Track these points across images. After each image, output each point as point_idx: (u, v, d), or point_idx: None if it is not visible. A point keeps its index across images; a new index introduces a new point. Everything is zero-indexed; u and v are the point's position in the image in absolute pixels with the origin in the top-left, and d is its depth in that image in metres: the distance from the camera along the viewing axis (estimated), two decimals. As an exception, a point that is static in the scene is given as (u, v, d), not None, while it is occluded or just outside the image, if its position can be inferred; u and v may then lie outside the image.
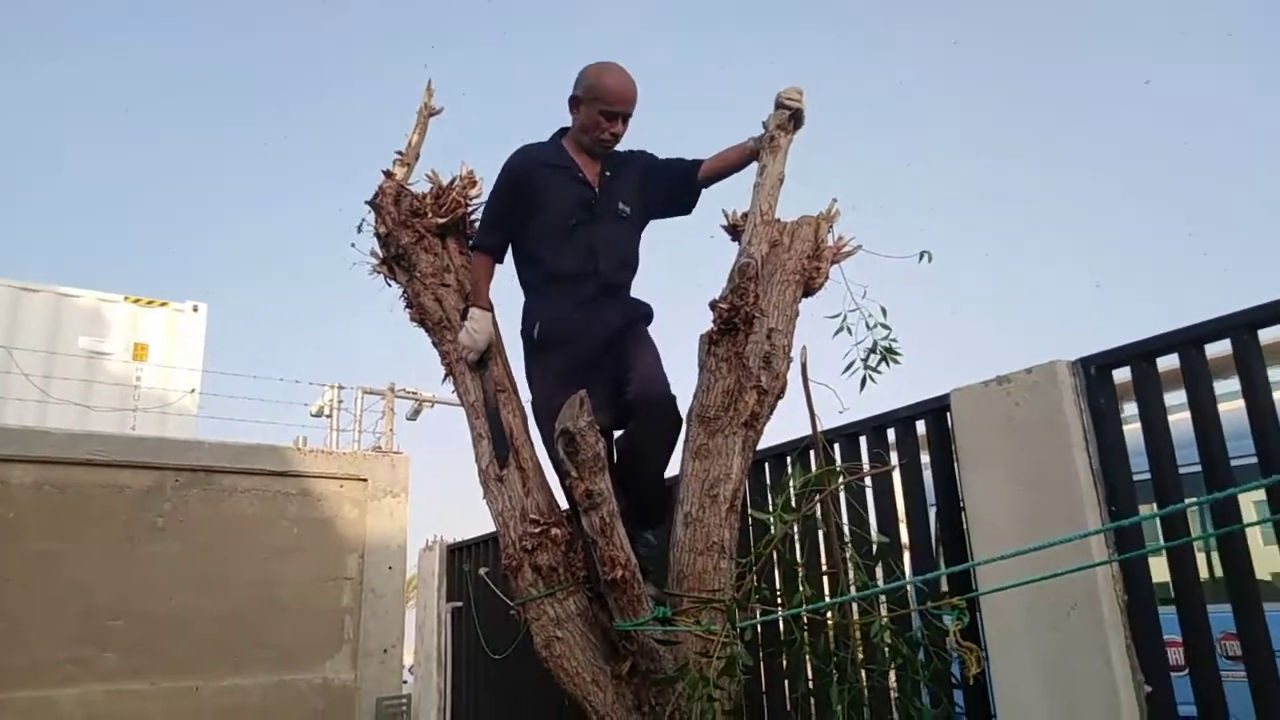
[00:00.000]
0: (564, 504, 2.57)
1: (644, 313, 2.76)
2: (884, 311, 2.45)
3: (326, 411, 14.67)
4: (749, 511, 2.77)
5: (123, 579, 5.16)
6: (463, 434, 2.73)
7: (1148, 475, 2.09)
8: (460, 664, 5.09)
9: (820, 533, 2.59)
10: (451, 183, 2.89)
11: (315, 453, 6.29)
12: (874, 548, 2.38)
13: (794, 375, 2.46)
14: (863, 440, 2.75)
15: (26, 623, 4.88)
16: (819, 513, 2.37)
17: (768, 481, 3.05)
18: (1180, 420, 2.07)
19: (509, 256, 2.82)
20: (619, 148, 2.73)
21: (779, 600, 2.41)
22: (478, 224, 2.86)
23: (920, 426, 2.61)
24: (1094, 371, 2.18)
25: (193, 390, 9.32)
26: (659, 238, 2.91)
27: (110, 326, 9.05)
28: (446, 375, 2.82)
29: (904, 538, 2.60)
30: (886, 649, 2.14)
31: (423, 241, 2.81)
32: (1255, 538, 2.15)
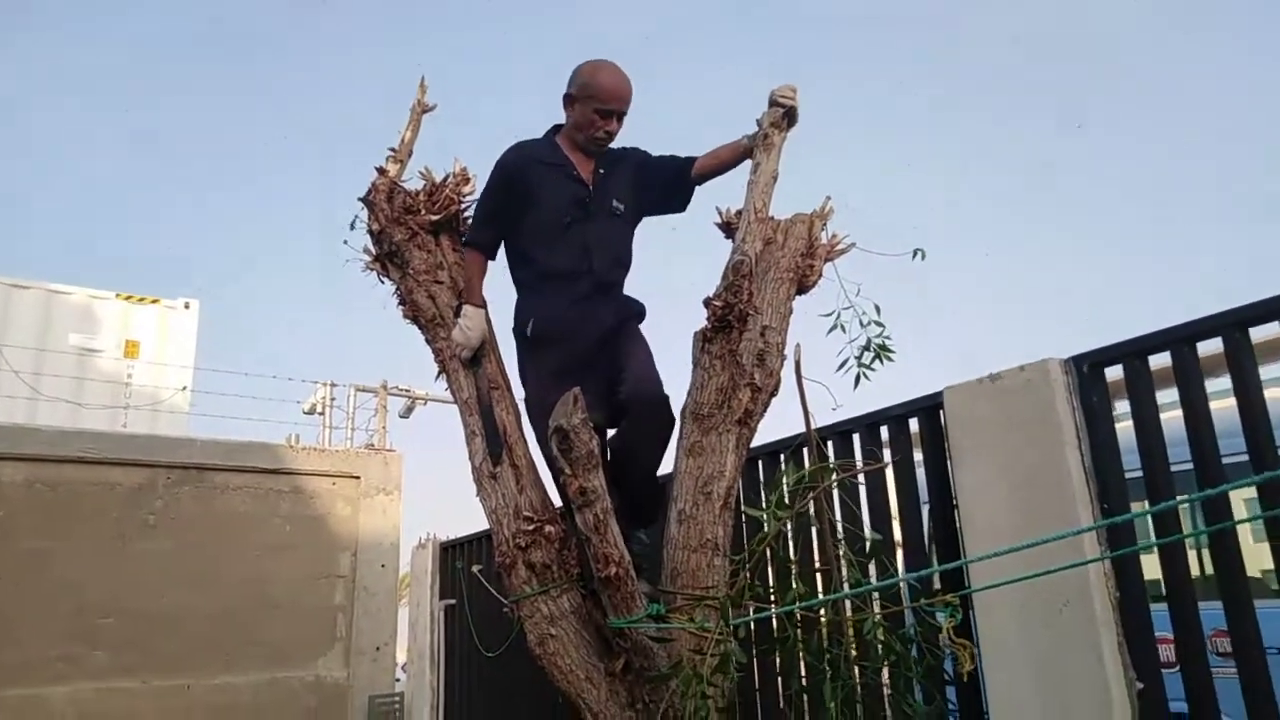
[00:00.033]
0: (558, 501, 2.57)
1: (637, 311, 2.76)
2: (877, 309, 2.46)
3: (319, 409, 14.63)
4: (743, 509, 2.77)
5: (114, 577, 5.13)
6: (456, 431, 2.73)
7: (1140, 473, 2.10)
8: (453, 662, 5.09)
9: (814, 530, 2.60)
10: (445, 179, 2.88)
11: (308, 450, 6.27)
12: (867, 545, 2.38)
13: (788, 373, 2.46)
14: (856, 438, 2.75)
15: (17, 621, 4.86)
16: (812, 510, 2.37)
17: (761, 479, 3.06)
18: (1172, 418, 2.07)
19: (501, 253, 2.81)
20: (612, 145, 2.72)
21: (772, 598, 2.41)
22: (470, 221, 2.86)
23: (913, 424, 2.61)
24: (1086, 369, 2.19)
25: (184, 387, 9.29)
26: (654, 235, 2.91)
27: (101, 323, 9.02)
28: (440, 372, 2.82)
29: (897, 535, 2.61)
30: (879, 646, 2.14)
31: (416, 238, 2.80)
32: (1246, 535, 2.15)
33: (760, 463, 3.06)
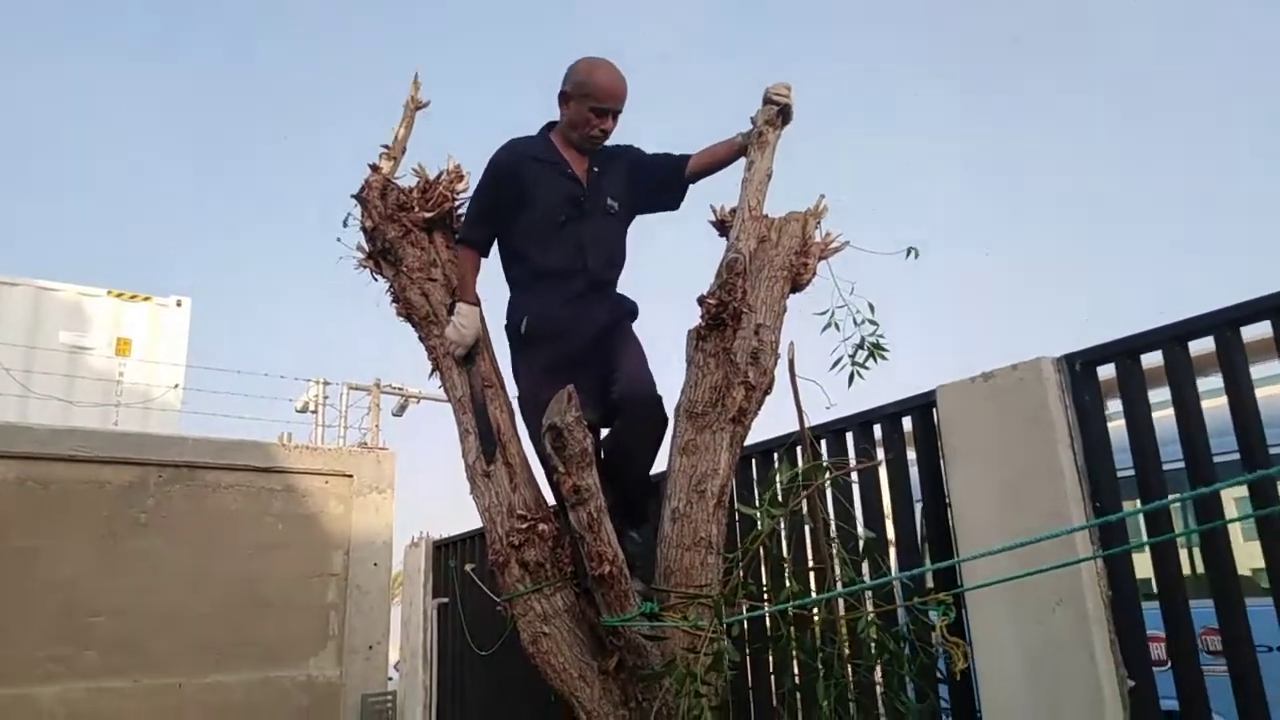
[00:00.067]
0: (551, 499, 2.57)
1: (630, 309, 2.75)
2: (871, 308, 2.46)
3: (312, 407, 14.61)
4: (736, 507, 2.77)
5: (105, 575, 5.11)
6: (449, 429, 2.72)
7: (1132, 472, 2.10)
8: (446, 660, 5.08)
9: (807, 528, 2.60)
10: (438, 177, 2.87)
11: (300, 449, 6.24)
12: (860, 544, 2.38)
13: (781, 371, 2.46)
14: (849, 436, 2.76)
15: (6, 620, 4.82)
16: (806, 509, 2.37)
17: (755, 477, 3.06)
18: (1164, 417, 2.08)
19: (494, 251, 2.81)
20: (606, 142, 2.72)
21: (766, 596, 2.41)
22: (463, 218, 2.85)
23: (907, 423, 2.62)
24: (1079, 368, 2.20)
25: (176, 385, 9.26)
26: (649, 231, 2.91)
27: (92, 321, 8.97)
28: (433, 370, 2.81)
29: (890, 534, 2.61)
30: (873, 644, 2.15)
31: (409, 236, 2.80)
32: (1236, 534, 2.16)
33: (754, 461, 3.06)
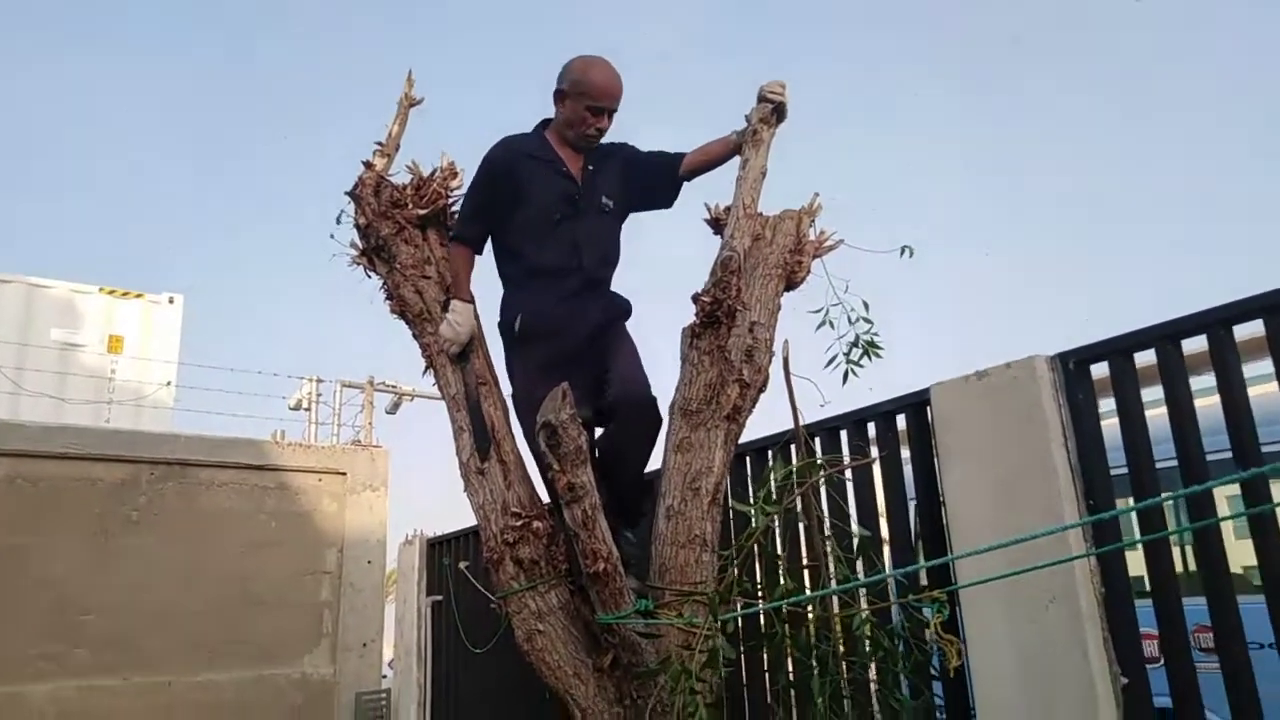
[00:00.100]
0: (545, 497, 2.57)
1: (624, 308, 2.75)
2: (866, 306, 2.46)
3: (305, 405, 14.58)
4: (731, 504, 2.77)
5: (97, 573, 5.10)
6: (443, 427, 2.72)
7: (1125, 470, 2.11)
8: (440, 658, 5.07)
9: (801, 526, 2.60)
10: (432, 174, 2.87)
11: (293, 446, 6.24)
12: (855, 541, 2.39)
13: (776, 369, 2.46)
14: (843, 434, 2.76)
15: (-2, 617, 4.81)
16: (800, 506, 2.38)
17: (749, 475, 3.06)
18: (1157, 415, 2.09)
19: (487, 249, 2.80)
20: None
21: (760, 593, 2.41)
22: (457, 215, 2.84)
23: (901, 421, 2.62)
24: (1072, 366, 2.20)
25: (168, 383, 9.22)
26: (643, 229, 2.91)
27: (84, 318, 8.93)
28: (427, 368, 2.81)
29: (884, 532, 2.62)
30: (867, 642, 2.15)
31: (403, 233, 2.79)
32: (1229, 532, 2.17)
33: (748, 459, 3.06)
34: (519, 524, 2.45)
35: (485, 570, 2.91)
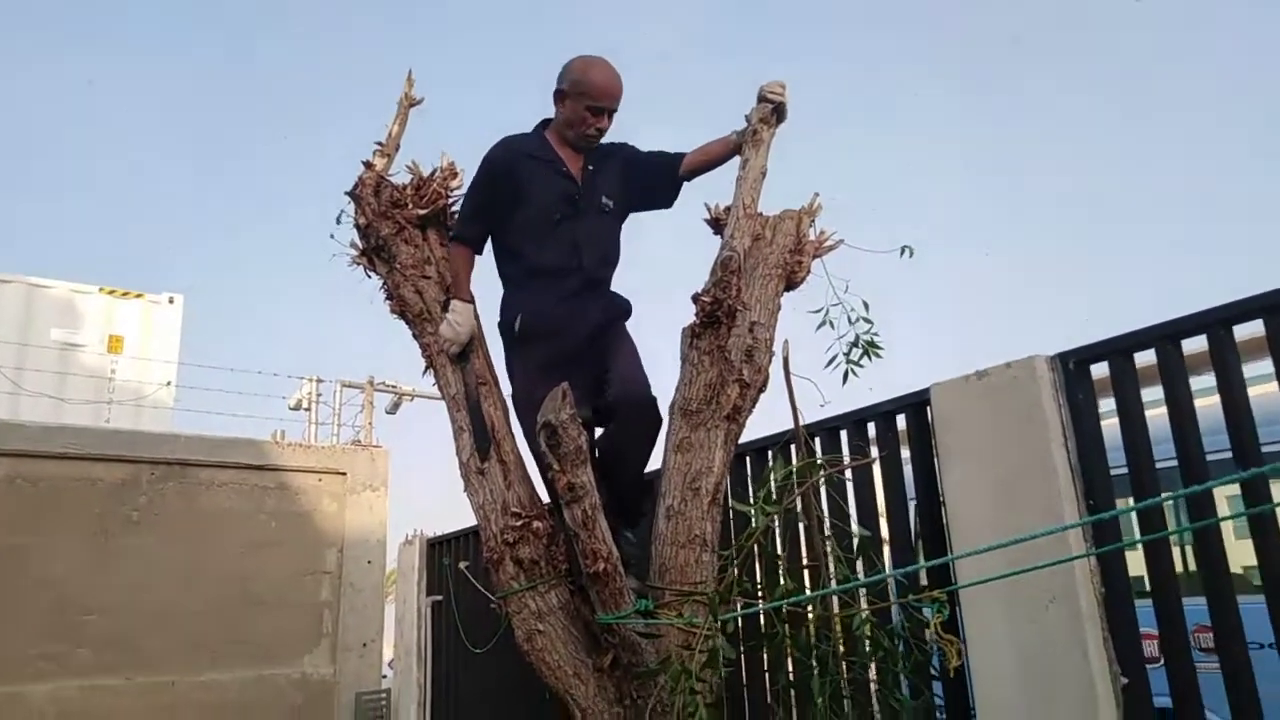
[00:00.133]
0: (545, 497, 2.57)
1: (624, 308, 2.75)
2: (866, 305, 2.46)
3: (305, 405, 14.58)
4: (731, 504, 2.77)
5: (97, 573, 5.10)
6: (443, 427, 2.72)
7: (1125, 470, 2.11)
8: (440, 658, 5.07)
9: (801, 526, 2.60)
10: (432, 174, 2.87)
11: (293, 446, 6.24)
12: (855, 541, 2.39)
13: (776, 369, 2.46)
14: (843, 434, 2.76)
15: (-2, 618, 4.81)
16: (800, 506, 2.38)
17: (749, 475, 3.06)
18: (1157, 415, 2.09)
19: (487, 248, 2.80)
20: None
21: (760, 593, 2.41)
22: (457, 215, 2.84)
23: (901, 421, 2.62)
24: (1072, 366, 2.20)
25: (168, 383, 9.22)
26: (643, 229, 2.91)
27: (84, 318, 8.93)
28: (427, 368, 2.81)
29: (884, 532, 2.62)
30: (867, 641, 2.15)
31: (403, 233, 2.79)
32: (1229, 532, 2.17)
33: (748, 459, 3.06)
34: (519, 524, 2.45)
35: (485, 570, 2.91)
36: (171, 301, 9.54)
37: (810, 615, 2.28)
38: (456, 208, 2.86)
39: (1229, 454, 1.94)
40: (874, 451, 2.67)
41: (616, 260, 2.79)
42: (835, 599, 2.23)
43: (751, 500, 2.26)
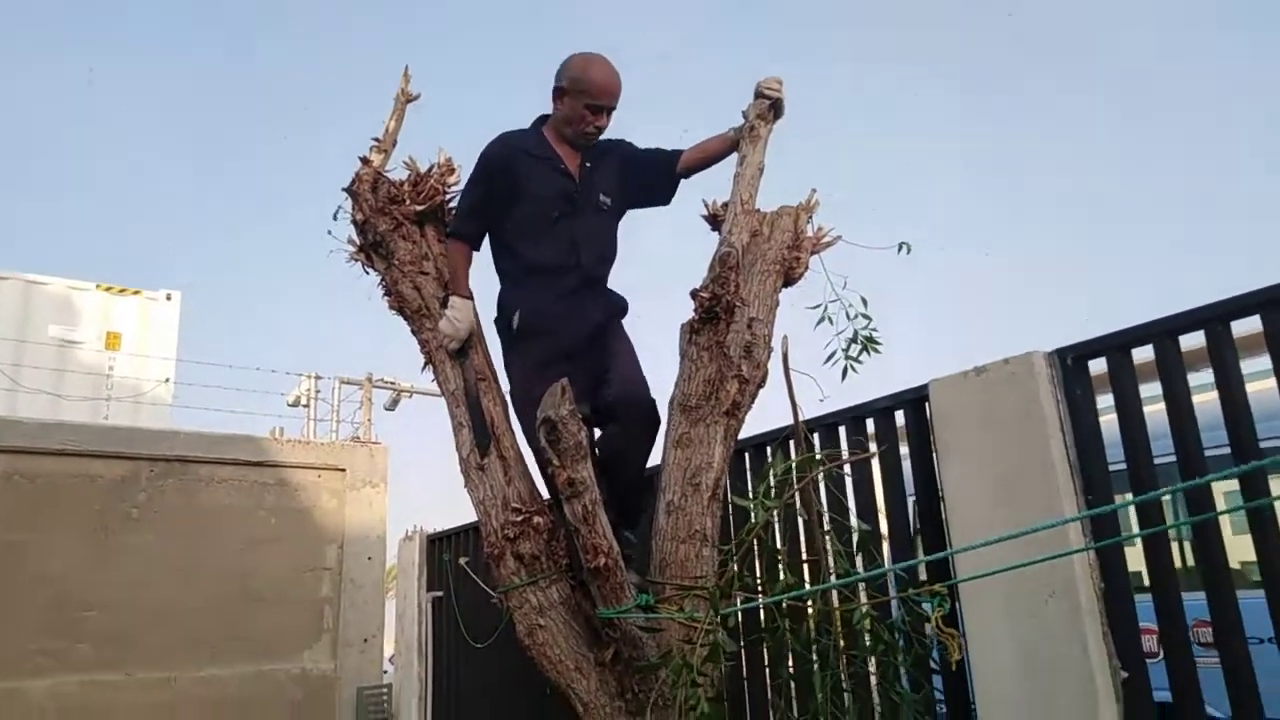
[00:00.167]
0: (545, 493, 2.57)
1: (621, 306, 2.75)
2: (864, 301, 2.46)
3: (303, 401, 14.56)
4: (731, 500, 2.78)
5: (96, 570, 5.10)
6: (442, 423, 2.72)
7: (1123, 465, 2.11)
8: (441, 653, 5.08)
9: (801, 521, 2.61)
10: (430, 170, 2.86)
11: (292, 443, 6.25)
12: (855, 536, 2.39)
13: (775, 365, 2.46)
14: (842, 430, 2.76)
15: (-2, 614, 4.81)
16: (799, 501, 2.38)
17: (749, 470, 3.07)
18: (1155, 411, 2.09)
19: (485, 244, 2.80)
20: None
21: (761, 588, 2.42)
22: (455, 211, 2.84)
23: (899, 417, 2.63)
24: (1070, 362, 2.21)
25: (167, 379, 9.22)
26: (640, 226, 2.91)
27: (81, 315, 8.92)
28: (426, 364, 2.81)
29: (884, 528, 2.62)
30: (867, 636, 2.16)
31: (401, 229, 2.79)
32: (1227, 527, 2.18)
33: (748, 454, 3.07)
34: (519, 519, 2.45)
35: (486, 566, 2.92)
36: (169, 298, 9.53)
37: (810, 610, 2.28)
38: (454, 204, 2.85)
39: (1227, 449, 1.94)
40: (873, 447, 2.67)
41: (614, 258, 2.79)
42: (835, 594, 2.23)
43: (751, 495, 2.26)
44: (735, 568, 2.18)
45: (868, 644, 2.17)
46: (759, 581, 2.44)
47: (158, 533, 5.31)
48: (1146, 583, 2.06)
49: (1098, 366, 2.20)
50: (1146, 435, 2.09)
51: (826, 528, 2.43)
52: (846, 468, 2.62)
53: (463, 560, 4.55)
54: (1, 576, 4.88)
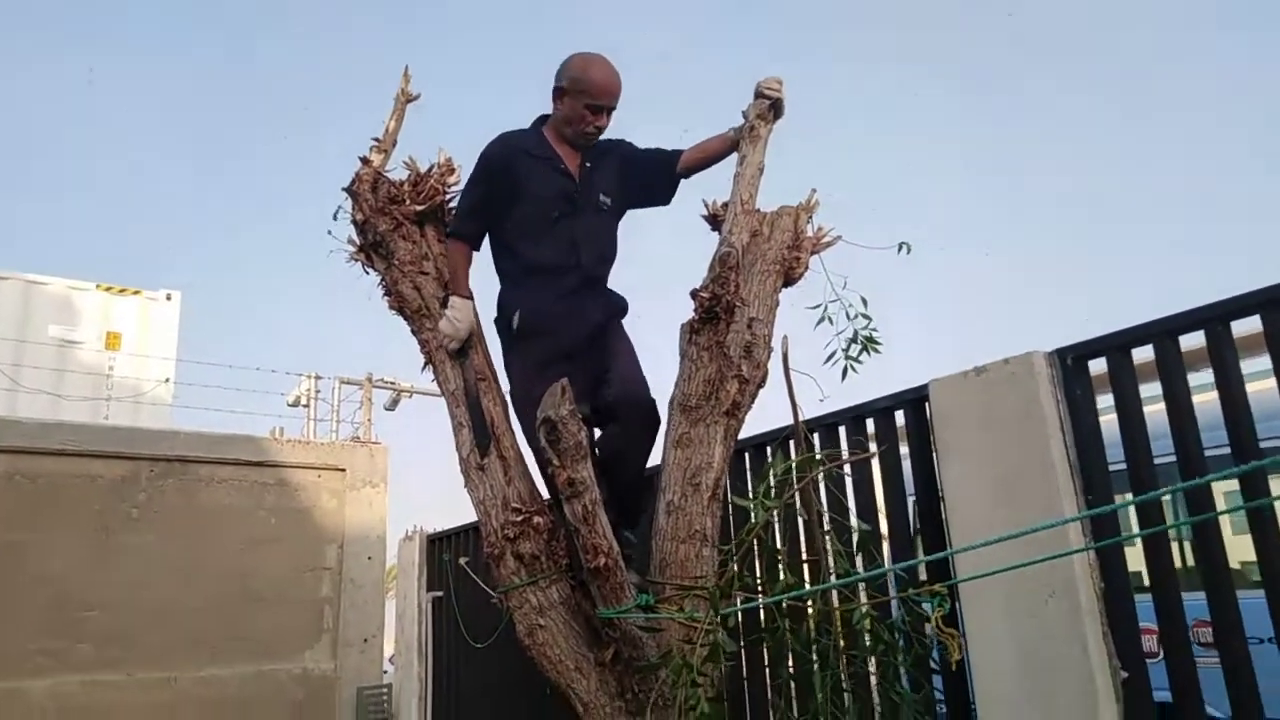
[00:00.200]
0: (545, 493, 2.57)
1: (621, 306, 2.75)
2: (864, 301, 2.46)
3: (303, 401, 14.56)
4: (731, 500, 2.78)
5: (97, 570, 5.10)
6: (442, 423, 2.72)
7: (1123, 465, 2.11)
8: (441, 653, 5.08)
9: (801, 521, 2.61)
10: (429, 170, 2.86)
11: (292, 443, 6.25)
12: (855, 536, 2.39)
13: (775, 365, 2.46)
14: (842, 430, 2.77)
15: (-2, 614, 4.81)
16: (799, 501, 2.38)
17: (748, 470, 3.07)
18: (1155, 411, 2.09)
19: (484, 244, 2.80)
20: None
21: (761, 588, 2.42)
22: (454, 211, 2.84)
23: (899, 417, 2.63)
24: (1070, 362, 2.21)
25: (167, 379, 9.22)
26: (641, 226, 2.91)
27: (81, 315, 8.92)
28: (426, 364, 2.81)
29: (884, 528, 2.62)
30: (867, 636, 2.16)
31: (400, 229, 2.79)
32: (1227, 527, 2.18)
33: (748, 454, 3.07)
34: (519, 519, 2.45)
35: (486, 566, 2.92)
36: (169, 298, 9.53)
37: (810, 610, 2.29)
38: (454, 204, 2.85)
39: (1227, 449, 1.94)
40: (873, 447, 2.67)
41: (614, 258, 2.79)
42: (835, 593, 2.23)
43: (751, 495, 2.26)
44: (735, 568, 2.18)
45: (868, 644, 2.17)
46: (759, 581, 2.44)
47: (158, 533, 5.31)
48: (1146, 583, 2.06)
49: (1098, 366, 2.20)
50: (1146, 435, 2.09)
51: (826, 528, 2.43)
52: (846, 468, 2.62)
53: (463, 560, 4.55)
54: (2, 576, 4.89)
